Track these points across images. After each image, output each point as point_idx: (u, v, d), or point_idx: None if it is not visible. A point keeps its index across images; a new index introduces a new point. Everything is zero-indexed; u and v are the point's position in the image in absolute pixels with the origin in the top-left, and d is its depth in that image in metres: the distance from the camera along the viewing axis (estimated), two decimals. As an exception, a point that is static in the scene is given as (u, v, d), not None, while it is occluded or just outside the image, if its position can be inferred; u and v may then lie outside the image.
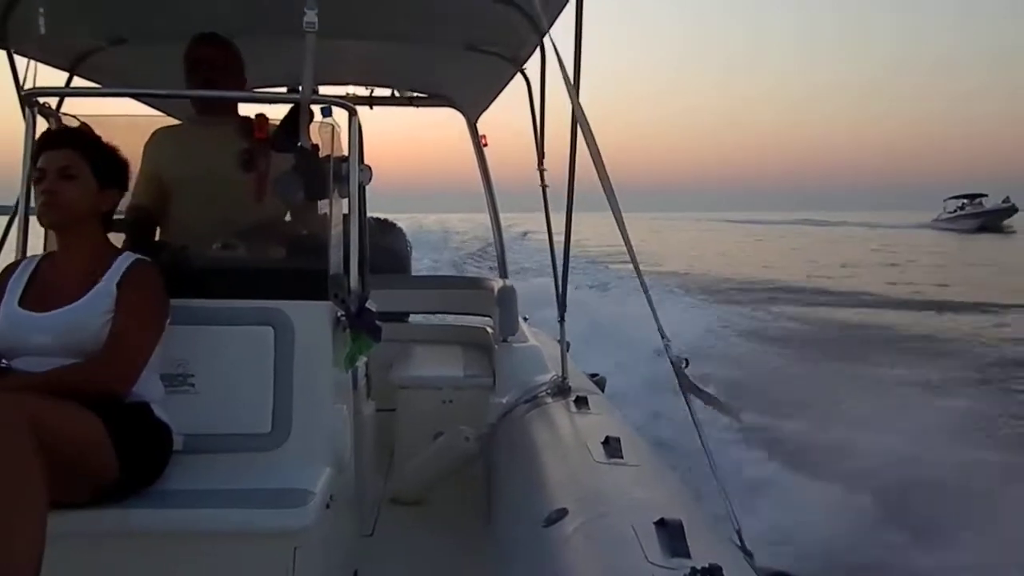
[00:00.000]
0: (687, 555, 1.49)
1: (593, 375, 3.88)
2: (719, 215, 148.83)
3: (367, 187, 2.61)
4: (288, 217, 2.71)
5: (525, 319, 4.41)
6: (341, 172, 2.39)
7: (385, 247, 4.72)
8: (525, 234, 24.54)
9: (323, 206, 2.49)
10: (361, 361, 3.09)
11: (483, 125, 4.65)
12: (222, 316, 2.29)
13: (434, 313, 4.62)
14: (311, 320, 2.31)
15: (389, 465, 3.51)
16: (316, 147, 2.32)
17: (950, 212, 61.28)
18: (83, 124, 2.35)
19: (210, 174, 2.56)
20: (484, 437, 3.10)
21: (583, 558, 1.66)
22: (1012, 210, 55.93)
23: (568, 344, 3.29)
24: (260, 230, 2.59)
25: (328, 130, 2.39)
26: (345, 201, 2.46)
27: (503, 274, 4.55)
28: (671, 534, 1.56)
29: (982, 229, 53.81)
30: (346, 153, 2.42)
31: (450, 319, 4.54)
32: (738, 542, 1.85)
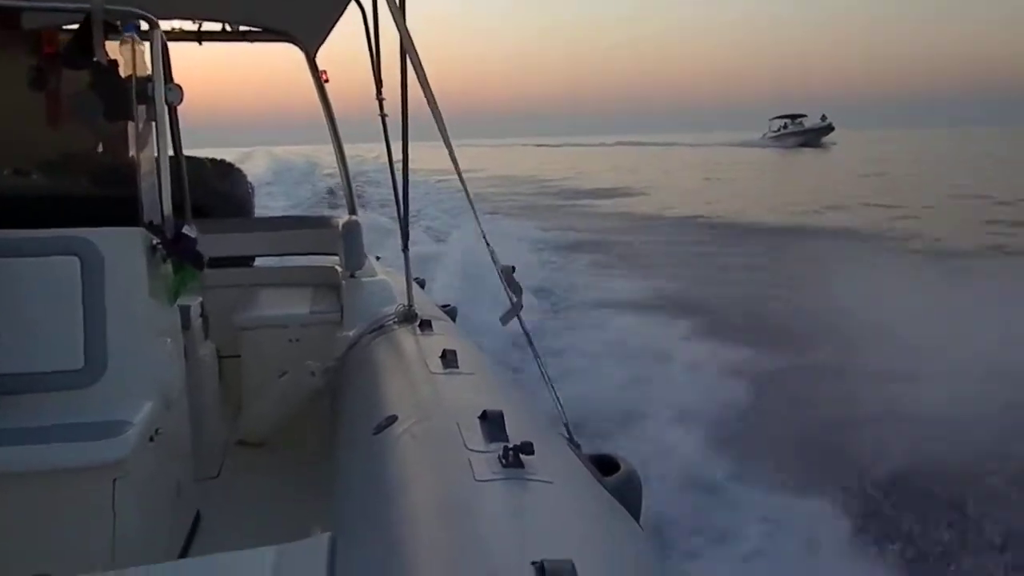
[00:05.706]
0: (506, 439, 1.51)
1: (445, 306, 3.88)
2: (537, 140, 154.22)
3: (179, 110, 2.46)
4: (100, 147, 2.52)
5: (378, 258, 4.32)
6: (147, 91, 2.23)
7: (224, 190, 4.50)
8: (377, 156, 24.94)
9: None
10: (195, 300, 2.95)
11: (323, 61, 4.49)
12: (18, 247, 2.11)
13: (279, 255, 4.46)
14: (121, 248, 2.17)
15: (238, 409, 3.41)
16: (114, 63, 2.16)
17: (774, 131, 66.71)
18: None
19: None
20: (331, 371, 3.03)
21: (408, 454, 1.67)
22: (829, 128, 62.09)
23: (423, 281, 3.25)
24: (60, 154, 2.40)
25: (128, 46, 2.22)
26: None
27: (351, 209, 4.44)
28: (491, 424, 1.58)
29: (804, 145, 59.43)
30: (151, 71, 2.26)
31: (298, 260, 4.40)
32: (566, 434, 1.90)
